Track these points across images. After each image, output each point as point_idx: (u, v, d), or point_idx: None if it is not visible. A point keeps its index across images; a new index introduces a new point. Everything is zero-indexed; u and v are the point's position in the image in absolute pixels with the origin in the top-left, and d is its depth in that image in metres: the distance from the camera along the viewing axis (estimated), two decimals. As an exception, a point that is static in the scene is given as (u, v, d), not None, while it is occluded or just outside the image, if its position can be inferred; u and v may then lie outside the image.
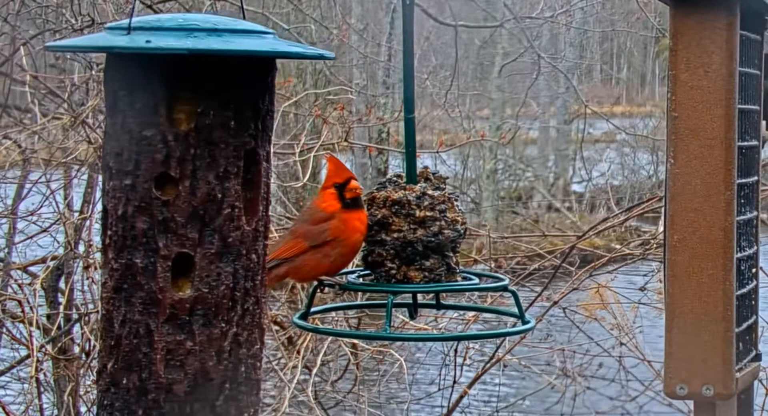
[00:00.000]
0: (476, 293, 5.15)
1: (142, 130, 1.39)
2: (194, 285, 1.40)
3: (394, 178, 1.80)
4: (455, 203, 1.77)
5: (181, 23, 1.38)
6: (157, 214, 1.39)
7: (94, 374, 4.66)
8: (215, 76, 1.39)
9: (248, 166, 1.42)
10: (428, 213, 1.74)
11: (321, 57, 1.46)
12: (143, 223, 1.39)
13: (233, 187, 1.40)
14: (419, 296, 1.86)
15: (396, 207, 1.75)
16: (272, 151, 1.46)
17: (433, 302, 1.90)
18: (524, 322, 1.76)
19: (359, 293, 4.68)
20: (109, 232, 1.41)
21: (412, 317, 1.91)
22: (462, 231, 1.77)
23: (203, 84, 1.39)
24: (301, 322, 1.78)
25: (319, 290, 1.81)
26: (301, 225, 1.80)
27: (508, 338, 4.86)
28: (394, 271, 1.75)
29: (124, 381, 1.40)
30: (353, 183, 1.78)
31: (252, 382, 1.43)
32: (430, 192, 1.76)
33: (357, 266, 1.86)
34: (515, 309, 1.78)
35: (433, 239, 1.74)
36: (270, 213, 1.48)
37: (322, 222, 1.77)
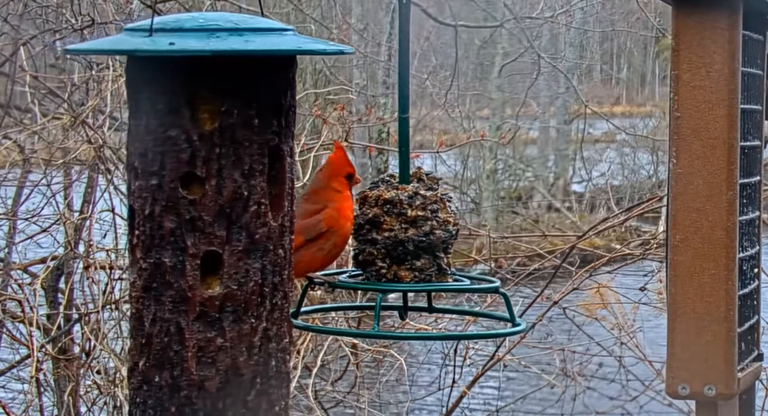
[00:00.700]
0: (475, 296, 5.16)
1: (166, 130, 1.39)
2: (223, 283, 1.41)
3: (387, 178, 1.80)
4: (448, 204, 1.77)
5: (202, 24, 1.39)
6: (185, 213, 1.40)
7: (95, 374, 4.67)
8: (237, 74, 1.40)
9: (272, 163, 1.43)
10: (420, 213, 1.74)
11: (341, 52, 1.47)
12: (171, 222, 1.40)
13: (259, 184, 1.42)
14: (412, 300, 1.85)
15: (388, 206, 1.75)
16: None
17: (425, 306, 1.89)
18: (515, 325, 1.76)
19: (359, 293, 4.68)
20: (136, 232, 1.42)
21: (402, 318, 1.91)
22: (454, 232, 1.76)
23: (226, 83, 1.40)
24: (297, 321, 1.78)
25: (310, 288, 1.81)
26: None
27: (508, 338, 4.86)
28: (384, 271, 1.74)
29: (156, 379, 1.41)
30: (357, 177, 1.80)
31: (282, 376, 1.45)
32: (422, 192, 1.75)
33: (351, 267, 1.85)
34: (506, 313, 1.77)
35: (424, 239, 1.73)
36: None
37: (315, 214, 1.77)
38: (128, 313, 1.47)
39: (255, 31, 1.40)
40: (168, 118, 1.39)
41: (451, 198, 1.80)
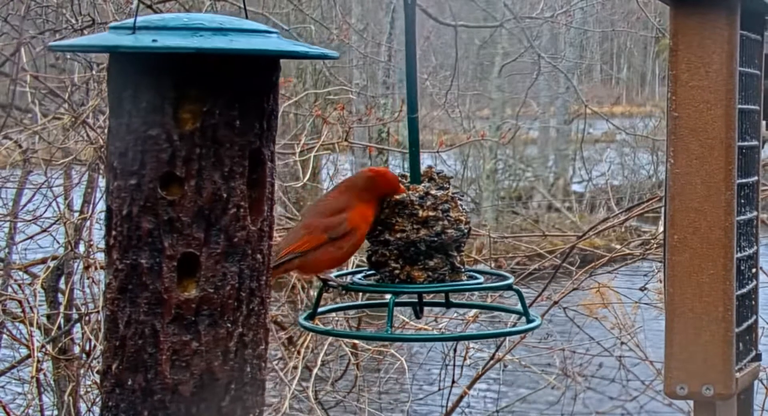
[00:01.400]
0: (478, 292, 5.15)
1: (147, 129, 1.38)
2: (200, 286, 1.39)
3: (399, 178, 1.80)
4: (459, 203, 1.77)
5: (186, 23, 1.38)
6: (163, 214, 1.38)
7: (95, 374, 4.67)
8: (220, 75, 1.39)
9: (253, 166, 1.42)
10: (431, 213, 1.74)
11: (324, 56, 1.46)
12: (148, 223, 1.38)
13: (239, 187, 1.40)
14: (427, 295, 1.85)
15: (399, 207, 1.75)
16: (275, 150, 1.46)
17: (442, 301, 1.90)
18: (528, 321, 1.76)
19: (361, 292, 4.68)
20: (113, 233, 1.41)
21: (417, 316, 1.91)
22: (466, 230, 1.77)
23: (208, 83, 1.38)
24: (308, 324, 1.78)
25: (324, 291, 1.81)
26: (314, 219, 1.79)
27: (508, 338, 4.86)
28: (397, 271, 1.75)
29: (130, 382, 1.39)
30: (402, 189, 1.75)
31: (257, 383, 1.43)
32: (433, 192, 1.76)
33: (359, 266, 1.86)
34: (520, 308, 1.78)
35: (435, 239, 1.74)
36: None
37: (339, 213, 1.76)
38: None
39: (239, 31, 1.39)
40: (149, 117, 1.38)
41: (462, 196, 1.80)
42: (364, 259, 1.81)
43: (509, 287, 1.78)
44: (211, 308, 1.39)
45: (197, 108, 1.39)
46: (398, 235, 1.74)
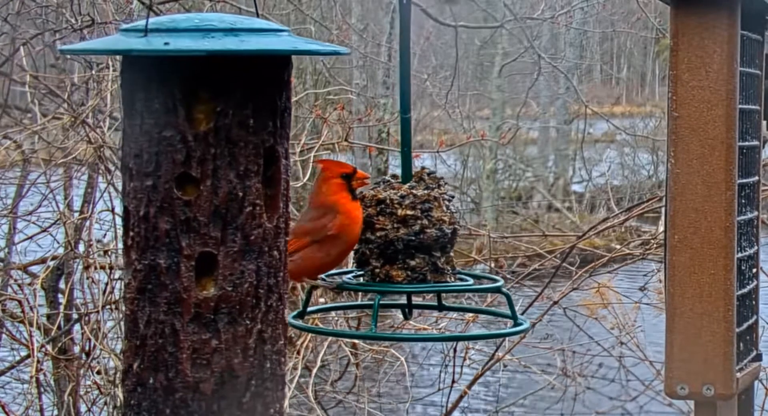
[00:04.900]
0: (476, 294, 5.16)
1: (162, 131, 1.39)
2: (218, 284, 1.41)
3: (389, 178, 1.79)
4: (445, 203, 1.76)
5: (198, 24, 1.39)
6: (180, 214, 1.40)
7: (95, 374, 4.67)
8: (232, 74, 1.40)
9: (268, 164, 1.43)
10: (409, 212, 1.73)
11: (336, 53, 1.47)
12: (166, 224, 1.40)
13: (254, 185, 1.41)
14: (422, 298, 1.85)
15: (381, 206, 1.75)
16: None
17: (434, 303, 1.90)
18: (516, 324, 1.76)
19: (360, 292, 4.68)
20: (131, 233, 1.42)
21: (406, 317, 1.90)
22: (449, 231, 1.75)
23: (221, 83, 1.39)
24: (295, 322, 1.78)
25: (314, 289, 1.81)
26: (300, 226, 1.80)
27: (508, 338, 4.86)
28: (377, 270, 1.74)
29: (151, 381, 1.41)
30: (361, 172, 1.78)
31: (277, 378, 1.45)
32: (415, 191, 1.75)
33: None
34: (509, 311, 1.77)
35: (414, 238, 1.73)
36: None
37: (322, 218, 1.76)
38: (127, 314, 1.47)
39: (250, 31, 1.39)
40: (163, 119, 1.39)
41: (451, 197, 1.79)
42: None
43: (498, 290, 1.77)
44: (229, 306, 1.41)
45: (210, 108, 1.40)
46: (378, 234, 1.74)
